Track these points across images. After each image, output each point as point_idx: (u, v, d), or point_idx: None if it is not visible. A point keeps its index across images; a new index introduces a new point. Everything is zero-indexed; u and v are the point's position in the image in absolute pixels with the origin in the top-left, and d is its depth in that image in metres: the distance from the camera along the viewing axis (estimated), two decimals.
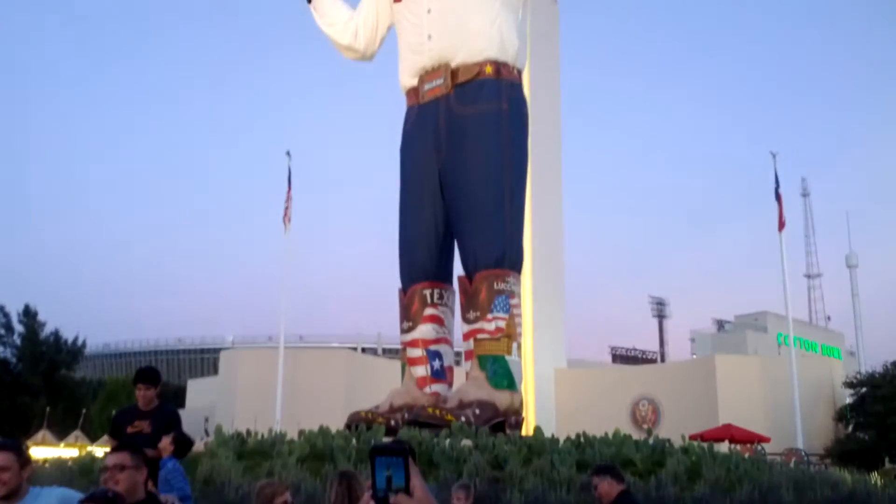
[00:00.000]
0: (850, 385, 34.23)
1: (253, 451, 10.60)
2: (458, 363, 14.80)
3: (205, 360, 58.07)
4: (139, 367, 8.22)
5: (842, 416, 33.49)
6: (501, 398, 12.88)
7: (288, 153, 27.73)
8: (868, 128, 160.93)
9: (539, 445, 10.78)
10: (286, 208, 27.22)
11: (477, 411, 12.45)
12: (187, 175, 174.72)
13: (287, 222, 27.11)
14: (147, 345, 69.30)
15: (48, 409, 37.29)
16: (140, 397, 6.75)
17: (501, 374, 13.20)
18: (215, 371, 37.58)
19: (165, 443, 6.00)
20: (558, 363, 34.82)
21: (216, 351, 46.21)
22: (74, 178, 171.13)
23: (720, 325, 46.36)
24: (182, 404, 39.22)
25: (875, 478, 14.78)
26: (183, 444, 6.21)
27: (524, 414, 14.26)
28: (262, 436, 11.58)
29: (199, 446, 12.40)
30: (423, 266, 14.05)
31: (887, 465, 23.23)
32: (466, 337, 13.75)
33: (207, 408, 31.80)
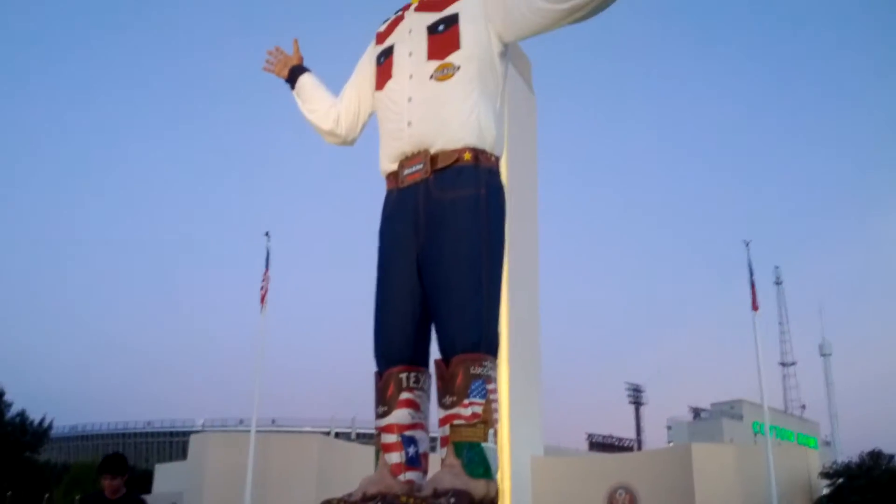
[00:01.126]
0: (826, 476, 34.00)
1: None
2: (433, 449, 14.63)
3: (174, 444, 56.71)
4: (106, 450, 8.03)
5: None
6: (477, 487, 12.66)
7: (267, 234, 27.81)
8: (841, 216, 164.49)
9: None
10: (263, 289, 27.09)
11: (452, 500, 12.24)
12: (159, 255, 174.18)
13: (263, 304, 26.94)
14: (115, 427, 67.75)
15: (9, 493, 36.08)
16: (106, 486, 6.60)
17: (477, 462, 13.02)
18: (185, 455, 36.67)
19: None
20: (535, 451, 34.36)
21: (186, 434, 45.16)
22: (45, 260, 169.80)
23: (696, 413, 46.16)
24: (149, 489, 38.08)
25: None
26: None
27: (501, 503, 14.05)
28: None
29: None
30: (399, 349, 13.99)
31: None
32: (442, 422, 13.60)
33: (176, 493, 30.90)
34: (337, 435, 45.24)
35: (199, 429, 53.69)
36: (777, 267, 67.35)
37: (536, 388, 34.49)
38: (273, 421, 50.96)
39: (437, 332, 14.24)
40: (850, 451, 39.71)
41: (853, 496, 30.97)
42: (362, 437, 42.01)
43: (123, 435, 66.00)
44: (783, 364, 66.08)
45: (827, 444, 43.55)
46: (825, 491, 33.50)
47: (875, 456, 34.11)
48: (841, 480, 33.04)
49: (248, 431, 26.39)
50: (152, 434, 65.59)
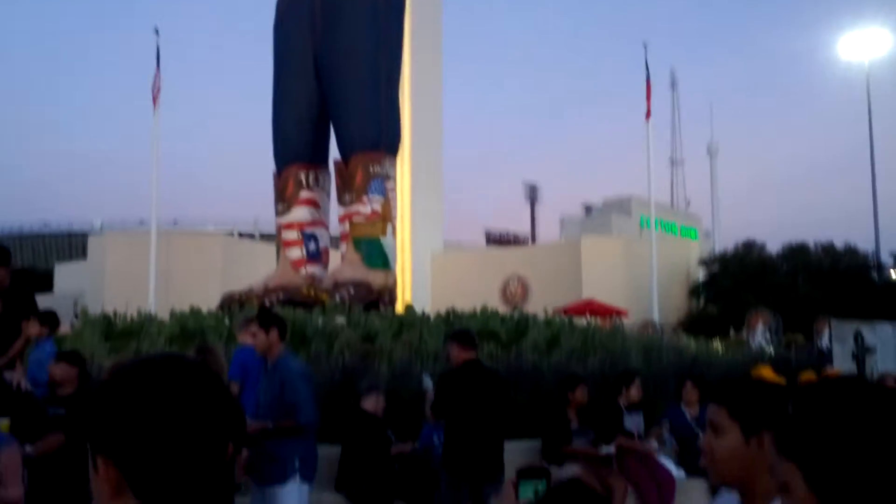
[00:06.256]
0: (703, 263, 36.75)
1: (120, 333, 10.60)
2: (335, 246, 15.06)
3: (73, 244, 55.77)
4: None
5: (695, 291, 36.08)
6: (376, 278, 13.33)
7: (156, 30, 26.32)
8: (735, 17, 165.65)
9: (410, 321, 11.31)
10: (155, 88, 26.04)
11: (352, 291, 12.87)
12: (48, 49, 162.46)
13: (156, 103, 26.00)
14: (9, 229, 65.92)
15: None
16: None
17: (376, 255, 13.62)
18: (84, 255, 36.42)
19: (34, 328, 6.02)
20: (435, 246, 35.60)
21: (84, 235, 44.55)
22: None
23: (588, 209, 48.19)
24: (50, 288, 38.00)
25: (716, 345, 16.33)
26: (47, 319, 6.22)
27: (399, 294, 14.80)
28: (132, 318, 11.58)
29: (67, 330, 12.30)
30: (296, 148, 14.05)
31: (732, 335, 25.35)
32: (342, 220, 14.01)
33: (77, 293, 31.00)
34: (240, 236, 45.42)
35: (98, 230, 52.86)
36: (672, 69, 68.29)
37: (437, 187, 35.21)
38: (175, 222, 50.38)
39: (336, 130, 14.48)
40: (727, 241, 42.70)
41: (726, 281, 33.73)
42: (266, 238, 42.38)
43: (19, 237, 64.45)
44: (672, 162, 68.76)
45: (707, 235, 46.43)
46: (702, 277, 36.34)
47: (748, 245, 36.87)
48: (716, 267, 35.82)
49: (149, 232, 26.31)
50: (49, 235, 64.23)
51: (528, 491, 1.63)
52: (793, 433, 1.29)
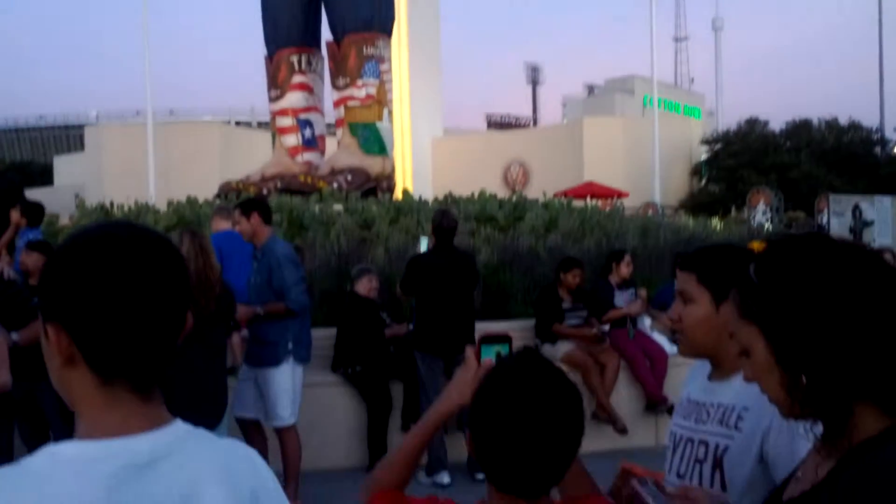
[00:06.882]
0: (706, 142, 36.37)
1: None
2: (331, 133, 14.87)
3: (70, 137, 55.23)
4: None
5: (697, 170, 35.87)
6: (373, 164, 13.22)
7: None
8: None
9: (407, 207, 11.29)
10: None
11: (349, 177, 12.79)
12: None
13: None
14: (5, 123, 65.19)
15: None
16: None
17: (373, 141, 13.46)
18: (82, 147, 36.15)
19: (15, 216, 6.00)
20: (435, 132, 35.19)
21: (81, 127, 44.07)
22: None
23: (590, 89, 47.34)
24: (50, 181, 37.94)
25: (715, 223, 16.32)
26: (31, 209, 6.19)
27: (399, 180, 14.72)
28: (129, 208, 11.60)
29: (66, 222, 12.32)
30: (288, 30, 13.66)
31: (734, 213, 25.33)
32: (337, 104, 13.77)
33: (77, 185, 30.92)
34: (237, 124, 44.87)
35: (94, 121, 52.19)
36: None
37: (436, 71, 34.47)
38: (171, 112, 49.79)
39: (327, 11, 14.06)
40: (730, 120, 42.15)
41: (728, 159, 33.47)
42: (263, 126, 41.94)
43: (16, 130, 63.83)
44: (676, 39, 67.06)
45: (710, 114, 45.70)
46: (704, 156, 36.05)
47: (751, 123, 36.37)
48: (718, 146, 35.47)
49: (146, 122, 25.98)
50: (47, 128, 63.59)
51: (489, 353, 1.63)
52: (754, 294, 1.26)
